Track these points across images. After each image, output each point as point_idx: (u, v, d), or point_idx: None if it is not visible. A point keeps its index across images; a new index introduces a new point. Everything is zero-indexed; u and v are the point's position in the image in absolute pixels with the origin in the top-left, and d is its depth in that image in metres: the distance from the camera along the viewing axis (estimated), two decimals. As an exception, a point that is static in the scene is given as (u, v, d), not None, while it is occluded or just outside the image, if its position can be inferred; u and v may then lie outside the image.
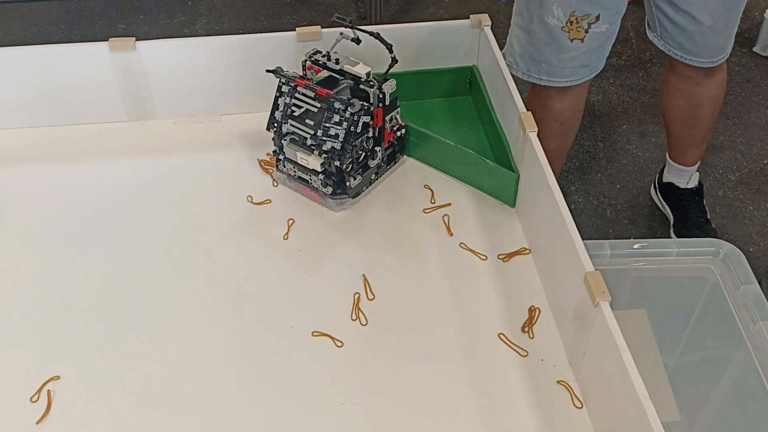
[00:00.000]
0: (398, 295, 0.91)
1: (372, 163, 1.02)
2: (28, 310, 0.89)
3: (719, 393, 1.03)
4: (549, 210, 0.88)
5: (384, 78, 0.99)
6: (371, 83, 0.98)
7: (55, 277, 0.93)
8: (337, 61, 1.00)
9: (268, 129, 1.02)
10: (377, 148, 1.02)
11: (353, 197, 1.02)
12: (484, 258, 0.96)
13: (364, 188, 1.04)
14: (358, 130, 0.96)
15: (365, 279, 0.93)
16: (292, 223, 1.00)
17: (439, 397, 0.81)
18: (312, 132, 0.97)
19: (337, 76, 1.02)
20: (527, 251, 0.97)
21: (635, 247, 1.08)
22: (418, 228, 1.00)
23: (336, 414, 0.79)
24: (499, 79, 1.07)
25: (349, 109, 0.95)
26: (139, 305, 0.90)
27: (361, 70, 0.99)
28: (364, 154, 1.00)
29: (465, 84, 1.20)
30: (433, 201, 1.04)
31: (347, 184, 0.99)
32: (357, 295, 0.91)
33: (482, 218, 1.01)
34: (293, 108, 0.99)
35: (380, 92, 0.98)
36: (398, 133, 1.05)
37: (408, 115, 1.08)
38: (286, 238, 0.98)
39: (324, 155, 0.97)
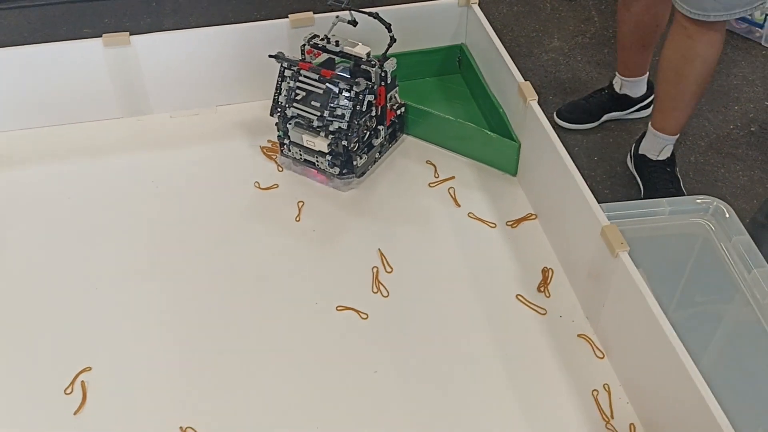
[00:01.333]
0: (415, 266, 0.94)
1: (376, 142, 1.05)
2: (51, 308, 0.89)
3: (720, 339, 1.08)
4: (556, 173, 0.91)
5: (384, 57, 1.01)
6: (372, 63, 1.00)
7: (73, 273, 0.93)
8: (336, 44, 1.02)
9: (272, 114, 1.03)
10: (380, 127, 1.04)
11: (359, 176, 1.04)
12: (493, 225, 0.99)
13: (369, 167, 1.06)
14: (363, 109, 0.98)
15: (381, 253, 0.95)
16: (302, 205, 1.02)
17: (466, 357, 0.84)
18: (318, 113, 0.98)
19: (336, 58, 1.04)
20: (534, 216, 1.00)
21: (630, 209, 1.13)
22: (426, 202, 1.03)
23: (371, 381, 0.82)
24: (491, 54, 1.10)
25: (354, 88, 0.97)
26: (162, 294, 0.91)
27: (361, 50, 1.01)
28: (368, 133, 1.02)
29: (455, 62, 1.23)
30: (437, 175, 1.07)
31: (354, 163, 1.02)
32: (375, 269, 0.93)
33: (486, 188, 1.05)
34: (297, 92, 1.01)
35: (382, 71, 1.00)
36: (398, 112, 1.07)
37: (401, 96, 1.10)
38: (298, 220, 1.00)
39: (331, 136, 0.99)
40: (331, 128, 0.98)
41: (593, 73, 2.21)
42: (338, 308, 0.89)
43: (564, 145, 0.92)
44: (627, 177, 1.89)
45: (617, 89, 1.98)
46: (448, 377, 0.82)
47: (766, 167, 1.94)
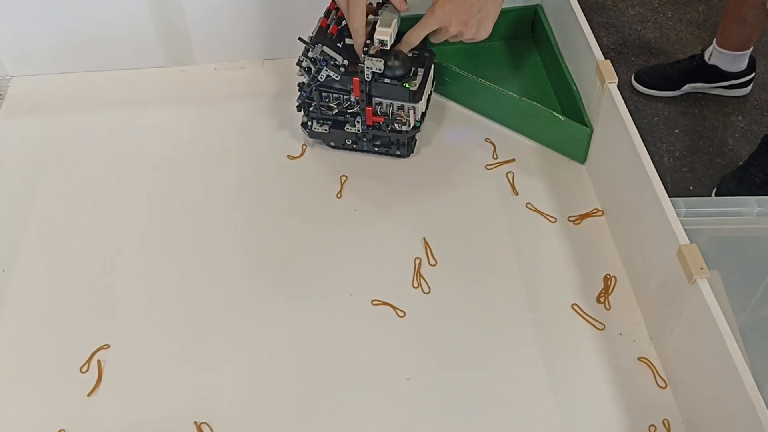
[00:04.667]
0: (462, 260, 0.85)
1: (350, 129, 0.93)
2: (70, 274, 0.85)
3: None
4: (629, 169, 0.80)
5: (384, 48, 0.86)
6: (367, 51, 0.86)
7: (97, 239, 0.88)
8: (376, 12, 0.89)
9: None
10: (357, 119, 0.92)
11: (311, 137, 0.96)
12: (553, 220, 0.89)
13: (332, 144, 0.96)
14: (321, 80, 0.89)
15: (426, 243, 0.87)
16: (345, 179, 0.94)
17: (510, 372, 0.76)
18: (302, 57, 0.91)
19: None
20: (600, 212, 0.90)
21: (713, 206, 1.00)
22: (481, 186, 0.93)
23: (401, 390, 0.74)
24: (570, 21, 0.97)
25: (311, 53, 0.88)
26: (186, 268, 0.85)
27: (381, 33, 0.85)
28: (337, 111, 0.92)
29: (527, 25, 1.11)
30: (495, 156, 0.96)
31: (307, 122, 0.95)
32: (418, 261, 0.85)
33: (549, 176, 0.94)
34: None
35: (363, 66, 0.86)
36: (399, 127, 0.91)
37: (465, 60, 0.99)
38: (339, 197, 0.92)
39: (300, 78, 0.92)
40: (298, 73, 0.91)
41: (684, 33, 2.02)
42: (374, 302, 0.81)
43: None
44: (710, 154, 1.73)
45: (707, 58, 1.80)
46: (487, 392, 0.74)
47: None
